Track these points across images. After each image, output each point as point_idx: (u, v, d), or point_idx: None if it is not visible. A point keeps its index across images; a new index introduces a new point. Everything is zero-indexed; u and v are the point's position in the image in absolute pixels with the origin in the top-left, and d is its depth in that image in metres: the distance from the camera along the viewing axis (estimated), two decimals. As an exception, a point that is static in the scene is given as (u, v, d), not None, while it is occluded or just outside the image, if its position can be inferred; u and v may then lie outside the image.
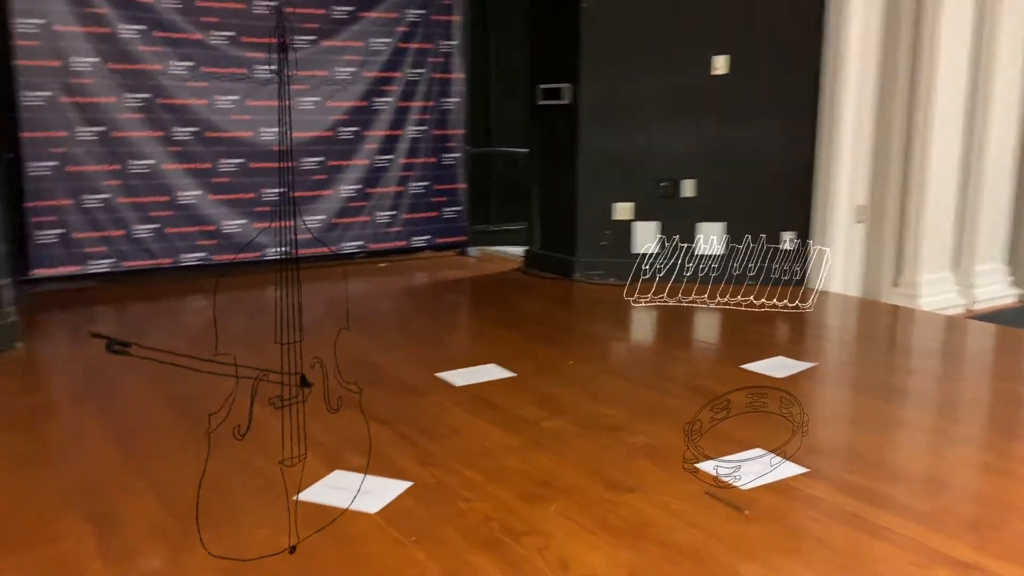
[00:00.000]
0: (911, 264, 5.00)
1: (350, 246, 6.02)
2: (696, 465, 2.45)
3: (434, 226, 6.35)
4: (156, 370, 3.57)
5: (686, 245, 4.86)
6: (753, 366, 3.53)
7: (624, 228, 5.29)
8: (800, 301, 4.34)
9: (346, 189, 5.94)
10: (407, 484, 2.45)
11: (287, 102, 2.26)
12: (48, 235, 5.01)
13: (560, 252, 5.51)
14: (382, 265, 6.09)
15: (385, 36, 5.94)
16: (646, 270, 4.75)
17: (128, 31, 5.07)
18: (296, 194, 5.86)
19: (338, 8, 5.74)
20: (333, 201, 5.92)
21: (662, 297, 4.35)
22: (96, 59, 4.99)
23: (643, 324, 4.33)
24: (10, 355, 3.76)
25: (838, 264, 5.06)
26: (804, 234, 5.11)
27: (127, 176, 5.20)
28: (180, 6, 5.22)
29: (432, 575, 1.97)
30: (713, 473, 2.42)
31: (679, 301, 4.30)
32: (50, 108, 4.90)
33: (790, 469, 2.51)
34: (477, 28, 6.52)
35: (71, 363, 3.83)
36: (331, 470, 2.55)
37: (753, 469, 2.45)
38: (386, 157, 6.07)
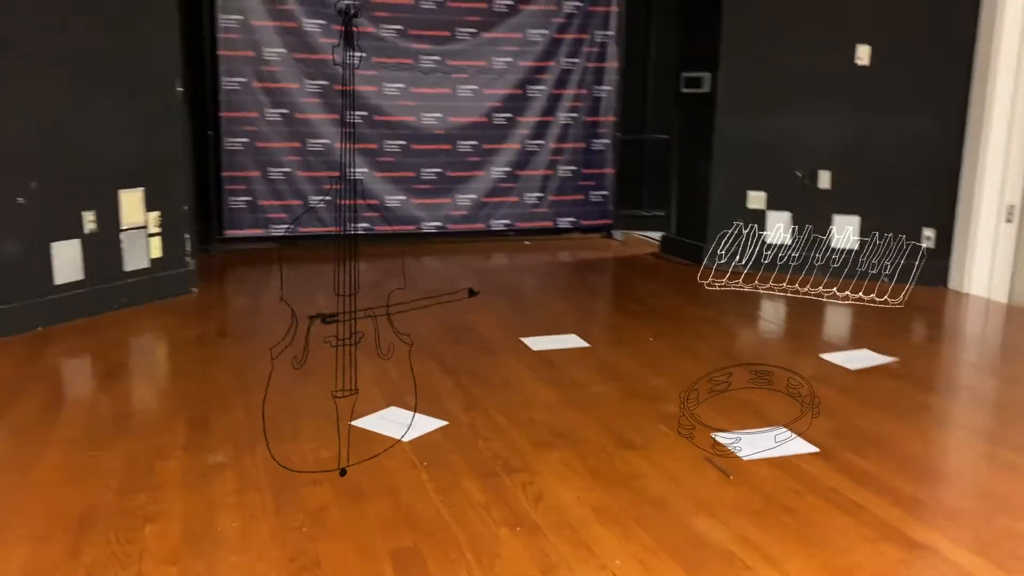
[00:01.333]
0: (1067, 269, 4.64)
1: (498, 224, 6.45)
2: (696, 431, 2.62)
3: (580, 208, 6.63)
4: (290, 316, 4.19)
5: (758, 229, 4.88)
6: (831, 356, 3.55)
7: (757, 217, 5.30)
8: (890, 297, 4.21)
9: (497, 171, 6.36)
10: (443, 423, 2.81)
11: (352, 87, 2.69)
12: (238, 201, 5.84)
13: (692, 238, 5.61)
14: (527, 243, 6.47)
15: (542, 27, 6.28)
16: (722, 255, 4.78)
17: (311, 25, 5.78)
18: (451, 174, 6.43)
19: (499, 2, 6.16)
20: (484, 181, 6.36)
21: (737, 283, 4.38)
22: (283, 50, 5.74)
23: (738, 309, 4.37)
24: (186, 298, 4.53)
25: (983, 266, 4.79)
26: (947, 232, 4.89)
27: (305, 153, 5.93)
28: (357, 2, 5.85)
29: (426, 490, 2.32)
30: (711, 440, 2.57)
31: (755, 288, 4.32)
32: (244, 92, 5.71)
33: (800, 447, 2.60)
34: (638, 17, 6.68)
35: (230, 308, 4.54)
36: (389, 405, 2.96)
37: (757, 442, 2.57)
38: (537, 142, 6.42)
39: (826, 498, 2.29)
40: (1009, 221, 4.78)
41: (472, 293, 2.71)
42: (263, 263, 5.70)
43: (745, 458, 2.52)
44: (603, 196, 6.67)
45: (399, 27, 5.97)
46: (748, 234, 4.91)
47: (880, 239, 4.70)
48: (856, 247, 4.98)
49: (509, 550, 2.02)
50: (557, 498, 2.28)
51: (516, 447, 2.62)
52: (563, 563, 1.96)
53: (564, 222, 6.63)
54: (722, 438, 2.54)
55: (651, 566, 1.95)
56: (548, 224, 6.59)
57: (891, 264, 4.38)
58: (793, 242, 5.11)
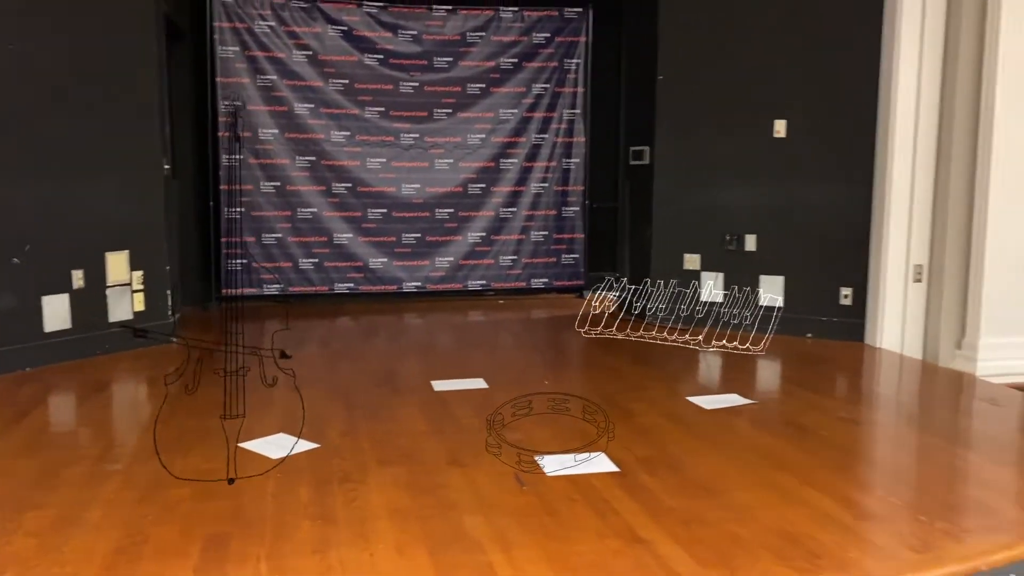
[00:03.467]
0: (973, 326, 4.88)
1: (475, 284, 7.00)
2: (502, 449, 3.06)
3: (553, 270, 7.13)
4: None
5: (634, 287, 5.33)
6: (696, 398, 3.93)
7: (693, 277, 5.71)
8: (751, 344, 4.54)
9: (473, 236, 6.94)
10: (316, 445, 3.31)
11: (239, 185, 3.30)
12: (235, 264, 6.54)
13: (643, 297, 6.04)
14: (500, 302, 6.97)
15: (512, 107, 6.90)
16: (595, 307, 5.18)
17: (301, 109, 6.53)
18: (430, 238, 7.00)
19: (472, 85, 6.82)
20: (461, 245, 6.94)
21: (611, 331, 4.78)
22: (276, 131, 6.50)
23: (643, 358, 4.76)
24: (166, 347, 5.18)
25: (893, 323, 5.08)
26: (862, 291, 5.21)
27: (296, 221, 6.62)
28: (342, 88, 6.60)
29: (265, 494, 2.82)
30: (516, 458, 3.00)
31: (627, 335, 4.71)
32: (242, 168, 6.46)
33: (604, 466, 3.01)
34: (608, 95, 7.22)
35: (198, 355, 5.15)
36: (279, 432, 3.48)
37: (560, 461, 2.99)
38: (510, 209, 6.99)
39: (592, 506, 2.70)
40: (918, 281, 5.07)
41: (284, 355, 3.20)
42: (255, 319, 6.33)
43: (549, 474, 2.94)
44: (574, 259, 7.16)
45: (381, 109, 6.67)
46: (667, 291, 5.34)
47: (739, 293, 5.15)
48: (780, 303, 5.33)
49: (300, 535, 2.49)
50: (367, 501, 2.75)
51: (363, 465, 3.10)
52: (335, 546, 2.42)
53: (538, 283, 7.13)
54: (537, 458, 2.97)
55: (405, 549, 2.40)
56: (522, 285, 7.10)
57: (750, 315, 4.73)
58: (724, 299, 5.49)
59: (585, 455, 3.00)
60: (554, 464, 2.97)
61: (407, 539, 2.47)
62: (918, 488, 2.99)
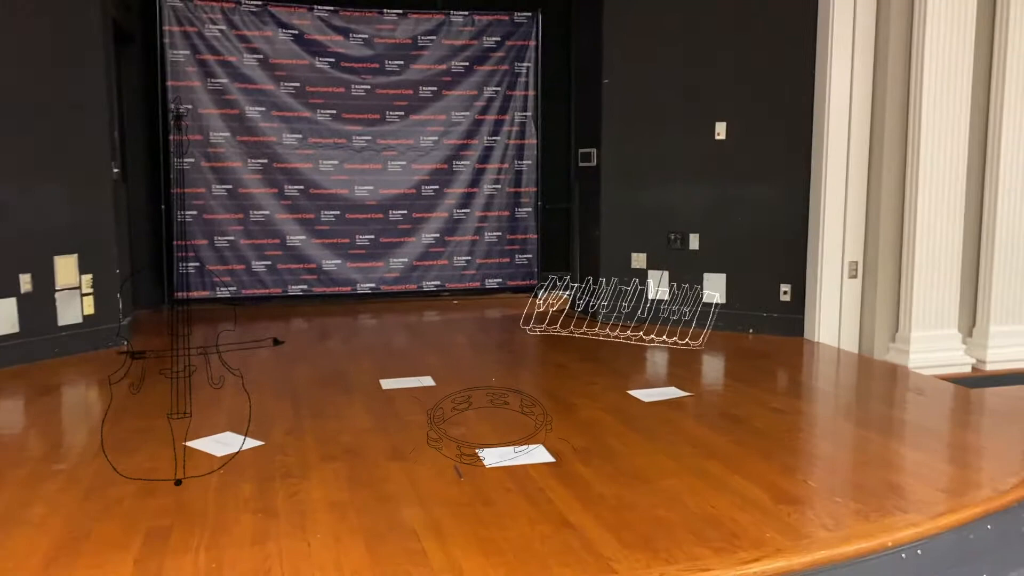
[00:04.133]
0: (905, 320, 5.07)
1: (430, 285, 7.08)
2: (443, 443, 3.15)
3: (506, 271, 7.24)
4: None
5: (576, 286, 5.45)
6: (636, 392, 4.05)
7: (639, 275, 5.85)
8: (691, 339, 4.70)
9: (427, 237, 7.02)
10: (260, 443, 3.37)
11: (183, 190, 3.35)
12: (188, 267, 6.55)
13: (588, 295, 6.16)
14: (455, 302, 7.06)
15: (464, 110, 6.99)
16: (540, 304, 5.32)
17: (253, 112, 6.56)
18: (384, 240, 7.06)
19: (424, 88, 6.90)
20: (416, 247, 7.01)
21: (555, 328, 4.91)
22: (228, 134, 6.52)
23: (589, 355, 4.89)
24: (116, 348, 5.19)
25: (831, 318, 5.26)
26: (800, 287, 5.38)
27: (248, 223, 6.65)
28: (294, 91, 6.64)
29: (208, 490, 2.88)
30: (457, 451, 3.10)
31: (571, 332, 4.85)
32: (194, 171, 6.48)
33: (541, 457, 3.11)
34: (560, 97, 7.34)
35: (147, 359, 5.17)
36: (226, 431, 3.53)
37: (499, 454, 3.09)
38: (463, 211, 7.08)
39: (526, 494, 2.80)
40: (853, 277, 5.25)
41: (277, 342, 3.28)
42: (207, 321, 6.36)
43: (489, 466, 3.03)
44: (528, 259, 7.27)
45: (333, 112, 6.73)
46: (608, 289, 5.47)
47: (679, 290, 5.33)
48: (722, 300, 5.49)
49: (240, 528, 2.56)
50: (308, 495, 2.82)
51: (306, 461, 3.17)
52: (274, 537, 2.49)
53: (492, 283, 7.22)
54: (478, 452, 3.07)
55: (342, 539, 2.48)
56: (477, 285, 7.19)
57: (689, 311, 4.88)
58: (671, 297, 5.63)
59: (524, 447, 3.10)
60: (494, 457, 3.07)
61: (344, 530, 2.55)
62: (838, 473, 3.14)
